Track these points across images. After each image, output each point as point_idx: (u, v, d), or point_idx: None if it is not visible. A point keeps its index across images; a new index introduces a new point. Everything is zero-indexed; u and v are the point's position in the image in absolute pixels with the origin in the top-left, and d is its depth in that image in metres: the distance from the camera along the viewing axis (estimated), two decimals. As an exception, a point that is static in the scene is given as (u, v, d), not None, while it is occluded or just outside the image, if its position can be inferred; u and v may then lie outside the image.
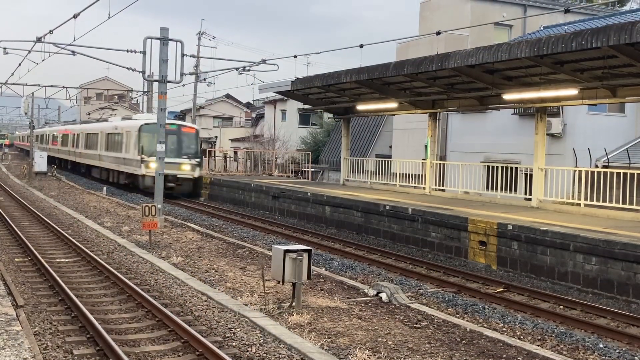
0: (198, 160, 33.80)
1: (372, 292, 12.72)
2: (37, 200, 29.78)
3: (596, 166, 22.11)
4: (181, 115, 68.11)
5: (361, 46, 20.49)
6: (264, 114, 58.20)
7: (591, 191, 18.88)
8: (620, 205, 17.70)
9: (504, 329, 10.96)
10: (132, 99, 77.36)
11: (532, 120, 21.74)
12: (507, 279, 15.04)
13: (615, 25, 14.02)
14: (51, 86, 41.29)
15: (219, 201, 32.40)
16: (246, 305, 11.44)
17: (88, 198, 31.10)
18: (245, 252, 17.26)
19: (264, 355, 8.87)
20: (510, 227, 15.57)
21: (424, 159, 26.31)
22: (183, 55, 22.16)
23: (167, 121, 26.74)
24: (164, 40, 21.58)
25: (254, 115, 64.50)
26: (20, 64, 31.81)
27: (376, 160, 30.39)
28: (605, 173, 18.50)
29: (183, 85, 28.54)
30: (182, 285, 13.05)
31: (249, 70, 26.61)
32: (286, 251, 11.26)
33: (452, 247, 17.45)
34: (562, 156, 24.32)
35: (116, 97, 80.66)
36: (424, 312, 11.59)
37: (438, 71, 19.34)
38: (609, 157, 22.51)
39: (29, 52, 27.18)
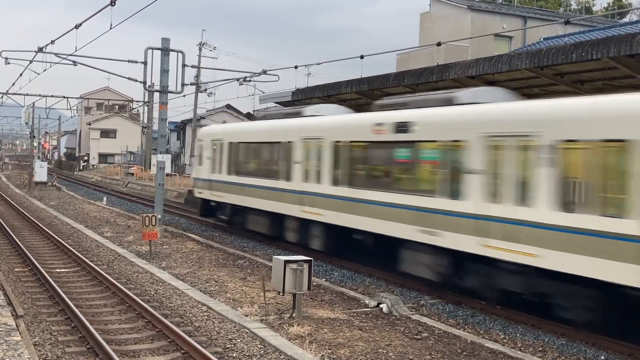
0: None
1: (372, 303, 12.69)
2: (37, 210, 29.76)
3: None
4: (182, 126, 68.13)
5: (362, 57, 20.51)
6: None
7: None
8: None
9: (505, 341, 10.92)
10: (133, 109, 77.45)
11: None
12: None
13: (616, 37, 14.06)
14: (52, 96, 41.28)
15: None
16: (246, 315, 11.42)
17: (88, 208, 31.09)
18: (245, 263, 17.24)
19: (265, 366, 8.86)
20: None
21: None
22: (184, 65, 22.20)
23: None
24: (165, 50, 21.63)
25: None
26: (21, 74, 31.68)
27: None
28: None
29: (184, 95, 28.49)
30: (182, 296, 13.03)
31: (249, 80, 26.61)
32: (287, 262, 11.25)
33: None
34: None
35: (117, 107, 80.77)
36: (425, 323, 11.57)
37: (438, 82, 19.34)
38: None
39: (31, 62, 27.13)
